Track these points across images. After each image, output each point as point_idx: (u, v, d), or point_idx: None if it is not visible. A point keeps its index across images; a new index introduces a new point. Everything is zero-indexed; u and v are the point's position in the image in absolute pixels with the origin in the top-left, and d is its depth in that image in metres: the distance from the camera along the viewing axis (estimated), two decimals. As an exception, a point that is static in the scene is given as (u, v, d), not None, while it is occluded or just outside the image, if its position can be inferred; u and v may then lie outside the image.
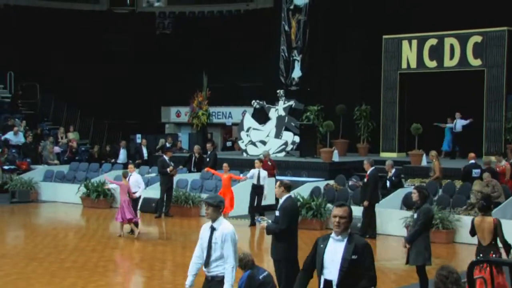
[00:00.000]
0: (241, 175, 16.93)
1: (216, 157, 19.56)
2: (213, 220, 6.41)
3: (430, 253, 9.03)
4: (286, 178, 14.81)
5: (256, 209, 15.77)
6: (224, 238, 6.32)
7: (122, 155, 22.53)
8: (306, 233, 13.79)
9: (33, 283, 10.12)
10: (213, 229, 6.40)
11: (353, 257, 5.27)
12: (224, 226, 6.39)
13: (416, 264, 9.06)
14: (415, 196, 9.15)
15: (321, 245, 5.45)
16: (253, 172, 15.79)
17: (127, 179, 14.28)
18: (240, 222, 16.07)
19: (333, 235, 5.43)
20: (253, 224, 15.49)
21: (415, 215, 9.23)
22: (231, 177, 15.85)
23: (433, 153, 16.46)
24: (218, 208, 6.39)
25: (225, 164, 16.09)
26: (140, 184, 14.41)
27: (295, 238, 8.17)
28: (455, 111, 21.10)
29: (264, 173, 15.76)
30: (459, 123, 20.67)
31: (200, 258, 6.53)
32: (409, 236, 9.13)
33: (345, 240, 5.36)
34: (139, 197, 14.57)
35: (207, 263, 6.44)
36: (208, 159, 19.29)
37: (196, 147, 20.23)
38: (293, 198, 8.59)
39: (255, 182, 15.75)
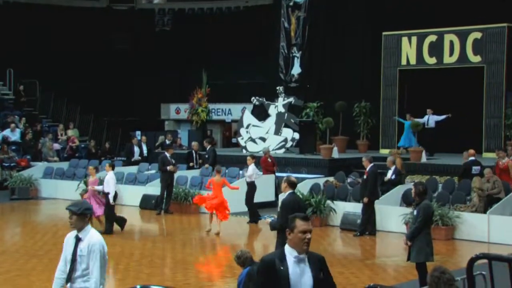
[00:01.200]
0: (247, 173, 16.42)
1: (216, 153, 19.58)
2: (79, 230, 5.75)
3: (432, 249, 9.00)
4: (285, 175, 14.79)
5: (249, 206, 15.50)
6: (91, 249, 5.66)
7: (137, 152, 22.35)
8: (306, 229, 13.78)
9: (33, 280, 10.13)
10: (78, 240, 5.74)
11: (321, 274, 4.71)
12: (91, 235, 5.73)
13: (418, 261, 9.03)
14: (413, 193, 9.15)
15: (281, 267, 4.63)
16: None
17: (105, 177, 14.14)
18: (240, 219, 16.08)
19: (293, 253, 4.66)
20: (253, 221, 15.40)
21: (415, 212, 9.21)
22: (224, 183, 14.66)
23: (393, 150, 16.70)
24: (83, 216, 5.74)
25: (217, 166, 15.51)
26: (107, 184, 13.83)
27: None
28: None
29: (250, 167, 15.46)
30: (432, 119, 20.22)
31: (64, 272, 5.82)
32: (410, 233, 9.11)
33: (306, 257, 4.70)
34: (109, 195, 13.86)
35: (70, 278, 5.73)
36: (207, 156, 19.30)
37: (194, 144, 20.34)
38: (294, 195, 8.57)
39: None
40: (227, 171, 18.72)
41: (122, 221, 14.26)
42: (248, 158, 15.69)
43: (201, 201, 14.75)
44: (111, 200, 13.81)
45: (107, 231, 13.66)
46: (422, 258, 8.94)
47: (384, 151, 21.21)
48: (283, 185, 8.51)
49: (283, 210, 8.20)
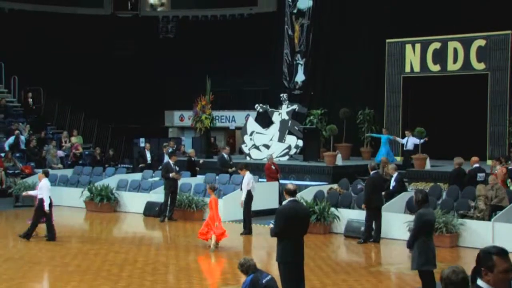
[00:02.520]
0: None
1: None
2: None
3: (428, 258, 8.77)
4: (289, 182, 14.77)
5: (246, 216, 14.85)
6: None
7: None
8: (310, 237, 13.76)
9: (37, 287, 10.12)
10: None
11: None
12: None
13: (411, 268, 9.03)
14: (414, 201, 9.16)
15: None
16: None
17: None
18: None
19: None
20: (247, 233, 14.84)
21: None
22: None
23: (384, 158, 17.24)
24: None
25: (211, 185, 14.47)
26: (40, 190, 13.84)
27: (290, 242, 8.09)
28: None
29: (246, 177, 14.77)
30: (411, 141, 19.66)
31: None
32: (407, 242, 9.15)
33: None
34: (43, 203, 13.78)
35: None
36: (231, 162, 19.52)
37: (191, 151, 20.60)
38: (294, 202, 8.41)
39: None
40: (231, 178, 18.72)
41: (53, 233, 14.04)
42: (240, 170, 15.24)
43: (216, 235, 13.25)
44: (46, 207, 13.78)
45: (50, 238, 13.81)
46: (414, 266, 8.87)
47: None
48: (284, 194, 8.52)
49: (278, 218, 8.18)
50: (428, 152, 19.17)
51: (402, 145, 20.62)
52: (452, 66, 20.67)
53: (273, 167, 18.09)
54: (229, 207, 16.92)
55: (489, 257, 3.99)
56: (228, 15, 30.50)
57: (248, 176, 14.82)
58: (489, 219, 13.69)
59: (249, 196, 14.86)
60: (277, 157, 20.80)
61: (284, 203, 8.46)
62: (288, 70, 25.96)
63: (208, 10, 31.03)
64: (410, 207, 14.63)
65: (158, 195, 17.75)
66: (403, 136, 20.54)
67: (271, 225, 8.29)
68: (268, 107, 22.79)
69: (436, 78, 21.33)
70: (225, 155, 19.52)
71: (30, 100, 27.11)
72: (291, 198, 8.27)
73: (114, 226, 17.00)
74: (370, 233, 13.95)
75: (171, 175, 16.71)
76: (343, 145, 22.08)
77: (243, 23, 29.47)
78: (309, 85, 25.55)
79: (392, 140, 20.83)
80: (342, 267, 11.69)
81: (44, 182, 14.00)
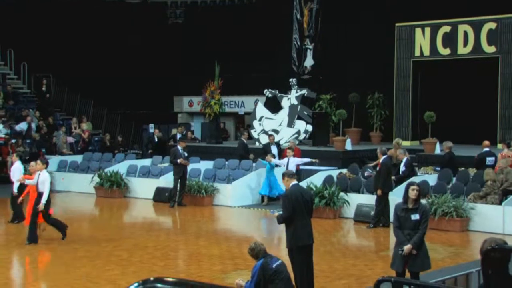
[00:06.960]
0: None
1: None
2: None
3: None
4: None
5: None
6: None
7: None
8: (319, 221, 13.80)
9: (48, 273, 10.19)
10: None
11: None
12: None
13: (427, 268, 8.26)
14: (416, 194, 8.01)
15: None
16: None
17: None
18: (254, 211, 16.08)
19: None
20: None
21: (415, 216, 8.00)
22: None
23: (399, 140, 17.21)
24: None
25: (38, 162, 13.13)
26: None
27: (298, 227, 8.12)
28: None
29: (42, 175, 12.74)
30: (293, 162, 16.60)
31: None
32: (418, 240, 7.96)
33: None
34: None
35: None
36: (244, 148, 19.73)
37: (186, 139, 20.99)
38: (298, 186, 8.47)
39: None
40: (240, 163, 18.73)
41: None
42: (37, 162, 13.00)
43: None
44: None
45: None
46: (429, 264, 8.23)
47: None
48: (284, 180, 8.47)
49: (286, 202, 8.21)
50: (437, 136, 19.06)
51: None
52: (463, 50, 20.51)
53: (287, 152, 17.76)
54: (238, 193, 16.97)
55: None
56: (236, 0, 30.35)
57: (44, 175, 12.63)
58: (500, 203, 13.64)
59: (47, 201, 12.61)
60: (286, 142, 20.76)
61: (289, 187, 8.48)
62: (297, 55, 25.82)
63: (216, -5, 30.88)
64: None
65: (167, 181, 17.80)
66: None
67: (276, 213, 8.32)
68: (277, 92, 22.72)
69: (446, 62, 21.17)
70: (245, 141, 19.65)
71: (44, 86, 27.20)
72: (294, 182, 8.36)
73: (124, 212, 17.08)
74: (380, 218, 13.94)
75: (178, 161, 16.74)
76: (353, 129, 22.00)
77: (251, 8, 29.32)
78: (318, 70, 25.42)
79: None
80: (352, 252, 11.69)
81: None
